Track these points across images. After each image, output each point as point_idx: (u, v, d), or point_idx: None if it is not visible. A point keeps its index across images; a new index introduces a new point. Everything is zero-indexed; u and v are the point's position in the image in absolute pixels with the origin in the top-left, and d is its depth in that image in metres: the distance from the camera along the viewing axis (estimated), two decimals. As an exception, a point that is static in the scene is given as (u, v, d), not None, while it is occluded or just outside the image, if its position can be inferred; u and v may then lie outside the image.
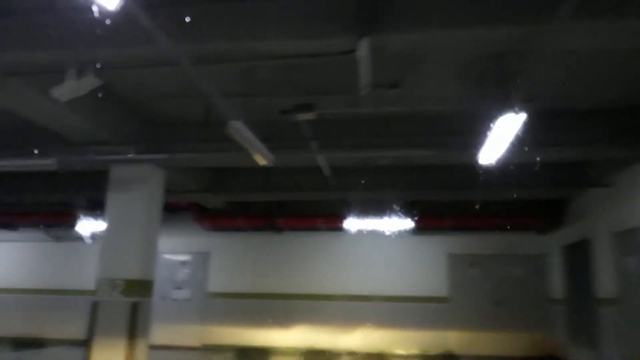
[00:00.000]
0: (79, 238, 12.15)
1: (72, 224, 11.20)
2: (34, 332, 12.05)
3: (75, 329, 11.53)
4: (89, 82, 4.08)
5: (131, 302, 7.13)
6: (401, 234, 11.39)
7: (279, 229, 11.85)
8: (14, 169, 6.99)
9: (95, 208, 9.93)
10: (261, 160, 5.90)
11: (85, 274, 11.27)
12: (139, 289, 7.34)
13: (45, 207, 11.46)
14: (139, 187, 7.56)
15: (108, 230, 7.60)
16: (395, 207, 10.17)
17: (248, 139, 5.19)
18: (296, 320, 11.65)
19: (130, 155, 6.91)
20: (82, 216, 10.97)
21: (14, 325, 12.25)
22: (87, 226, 11.18)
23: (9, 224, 12.47)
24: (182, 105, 7.01)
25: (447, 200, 10.33)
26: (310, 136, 6.24)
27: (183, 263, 12.46)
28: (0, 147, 7.06)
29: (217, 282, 12.21)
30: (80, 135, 6.73)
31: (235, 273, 12.20)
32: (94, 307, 7.16)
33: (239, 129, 4.96)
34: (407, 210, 10.33)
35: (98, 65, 4.09)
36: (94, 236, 11.94)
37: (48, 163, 6.62)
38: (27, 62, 4.72)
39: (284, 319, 11.69)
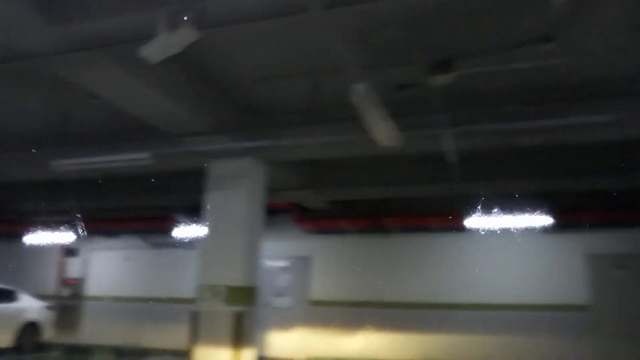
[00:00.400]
0: (179, 244, 11.81)
1: (170, 230, 10.87)
2: (135, 341, 11.81)
3: (178, 338, 11.14)
4: (185, 36, 3.24)
5: (235, 310, 6.56)
6: (531, 233, 9.85)
7: (386, 231, 10.77)
8: (110, 166, 6.49)
9: (194, 212, 9.47)
10: (385, 140, 4.85)
11: (187, 282, 10.88)
12: (243, 296, 6.77)
13: (143, 212, 11.23)
14: (239, 184, 6.89)
15: (208, 233, 7.10)
16: (525, 200, 8.66)
17: (373, 107, 4.16)
18: (407, 331, 10.60)
19: (230, 144, 6.16)
20: (180, 221, 10.62)
21: (115, 333, 12.09)
22: (186, 231, 10.78)
23: (110, 231, 12.42)
24: (284, 88, 6.18)
25: (588, 190, 8.72)
26: (441, 106, 5.10)
27: (283, 269, 11.71)
28: (93, 143, 6.60)
29: (320, 288, 11.41)
30: (175, 125, 6.13)
31: (339, 279, 11.32)
32: (194, 316, 6.74)
33: (363, 94, 3.94)
34: (540, 204, 8.80)
35: (195, 14, 3.24)
36: (193, 242, 11.56)
37: (143, 157, 6.06)
38: (115, 30, 4.02)
39: (393, 330, 10.66)
